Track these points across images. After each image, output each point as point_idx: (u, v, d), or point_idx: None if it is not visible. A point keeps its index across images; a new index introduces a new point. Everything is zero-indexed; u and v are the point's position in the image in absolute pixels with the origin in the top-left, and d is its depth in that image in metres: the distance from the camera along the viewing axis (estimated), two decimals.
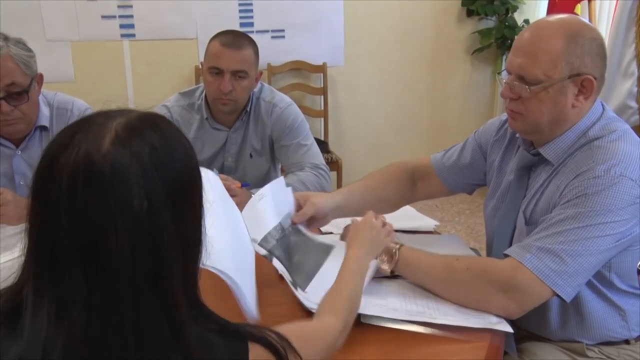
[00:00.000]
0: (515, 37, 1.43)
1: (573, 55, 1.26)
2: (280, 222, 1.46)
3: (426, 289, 1.32)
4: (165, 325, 0.70)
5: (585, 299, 1.35)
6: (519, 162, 1.44)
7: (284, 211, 1.50)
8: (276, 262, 1.33)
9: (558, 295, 1.22)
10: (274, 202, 1.47)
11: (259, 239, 1.35)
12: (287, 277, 1.31)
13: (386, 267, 1.35)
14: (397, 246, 1.36)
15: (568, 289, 1.21)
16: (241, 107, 2.05)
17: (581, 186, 1.25)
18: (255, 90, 2.09)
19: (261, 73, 2.06)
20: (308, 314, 1.23)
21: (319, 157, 2.08)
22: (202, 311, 0.78)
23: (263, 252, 1.34)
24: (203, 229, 0.77)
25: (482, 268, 1.27)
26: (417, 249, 1.38)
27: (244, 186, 1.81)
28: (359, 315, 1.20)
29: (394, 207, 1.72)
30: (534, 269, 1.21)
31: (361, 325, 1.20)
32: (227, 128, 2.09)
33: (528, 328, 1.45)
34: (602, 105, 1.38)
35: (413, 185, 1.71)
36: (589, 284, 1.32)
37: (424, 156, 1.73)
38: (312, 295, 1.27)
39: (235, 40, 1.96)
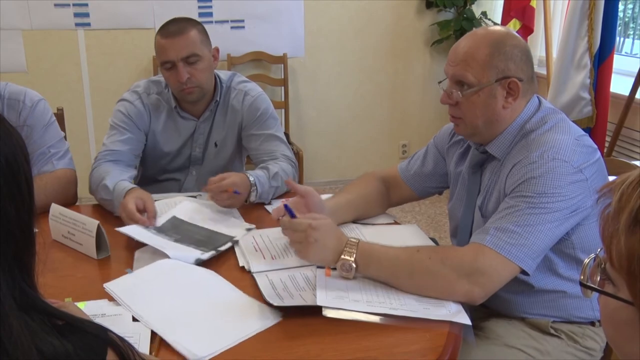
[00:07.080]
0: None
1: (498, 60, 1.40)
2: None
3: (390, 285, 1.32)
4: None
5: (551, 279, 1.41)
6: (471, 161, 1.55)
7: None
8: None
9: (523, 272, 1.28)
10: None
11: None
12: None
13: (348, 275, 1.33)
14: (354, 249, 1.33)
15: (527, 260, 1.28)
16: (208, 91, 2.02)
17: (519, 174, 1.35)
18: (226, 79, 2.07)
19: (217, 50, 2.02)
20: None
21: (289, 152, 2.08)
22: (36, 305, 0.75)
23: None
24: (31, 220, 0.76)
25: (445, 255, 1.31)
26: (374, 245, 1.36)
27: (235, 194, 1.73)
28: (320, 308, 1.21)
29: (375, 214, 1.76)
30: (493, 245, 1.28)
31: (322, 318, 1.21)
32: (195, 118, 2.06)
33: (496, 307, 1.49)
34: (539, 99, 1.49)
35: (388, 193, 1.78)
36: (557, 264, 1.40)
37: (391, 166, 1.82)
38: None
39: (175, 27, 1.91)
